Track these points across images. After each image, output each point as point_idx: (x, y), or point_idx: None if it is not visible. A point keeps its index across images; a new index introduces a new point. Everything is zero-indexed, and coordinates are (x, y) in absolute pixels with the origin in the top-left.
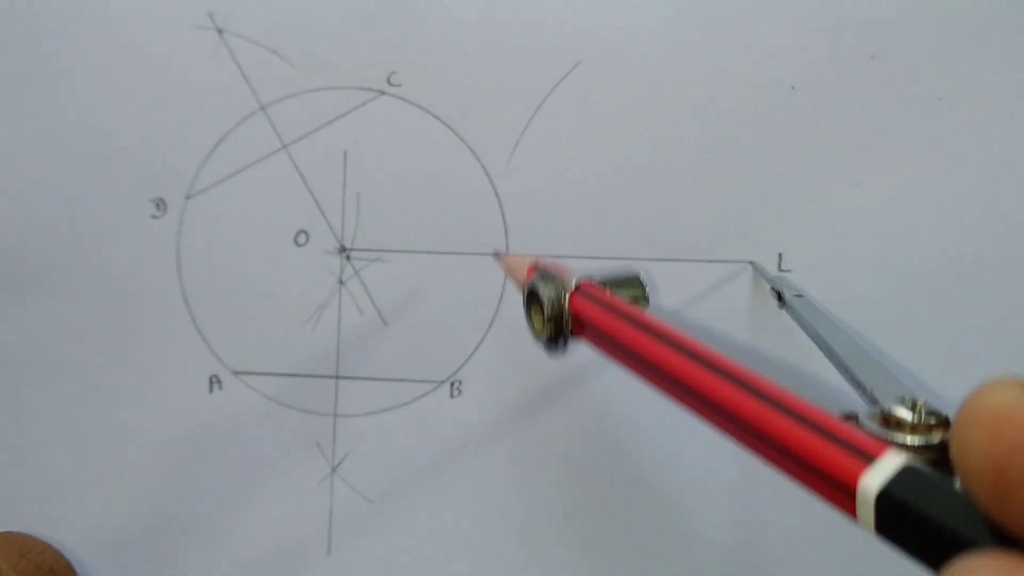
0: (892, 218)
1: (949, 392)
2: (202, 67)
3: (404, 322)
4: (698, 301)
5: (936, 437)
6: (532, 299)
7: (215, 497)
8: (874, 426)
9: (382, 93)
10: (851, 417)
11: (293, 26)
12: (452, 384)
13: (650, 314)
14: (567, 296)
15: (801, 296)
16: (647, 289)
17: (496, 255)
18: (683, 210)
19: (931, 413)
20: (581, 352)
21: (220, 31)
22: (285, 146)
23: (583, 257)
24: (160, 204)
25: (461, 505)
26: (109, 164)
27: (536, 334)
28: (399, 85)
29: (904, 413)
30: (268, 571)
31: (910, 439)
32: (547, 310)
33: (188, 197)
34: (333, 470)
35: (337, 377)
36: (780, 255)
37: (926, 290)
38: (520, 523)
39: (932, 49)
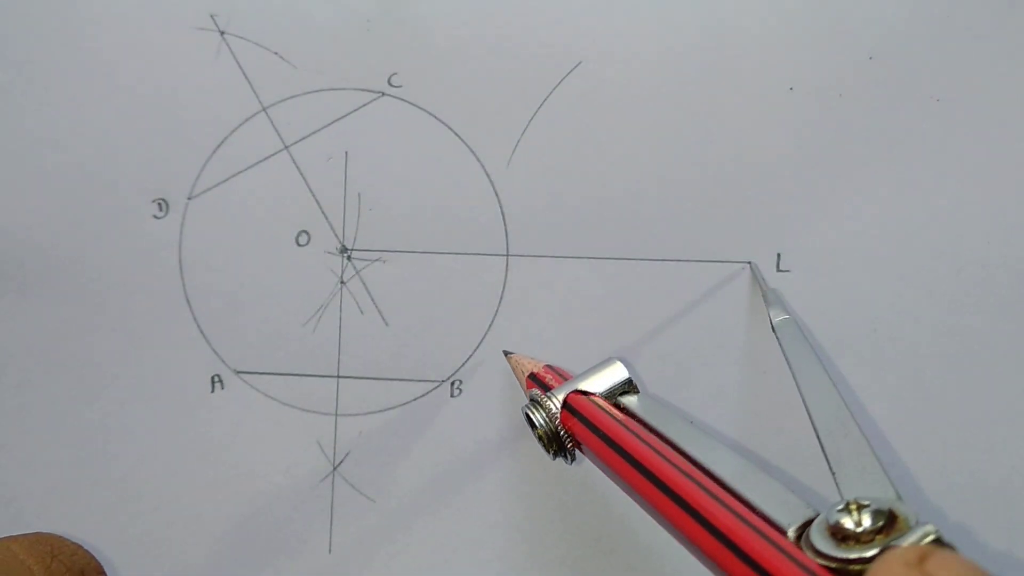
0: (890, 218)
1: (947, 395)
2: (204, 68)
3: (405, 322)
4: (696, 301)
5: (878, 545)
6: (530, 422)
7: (216, 496)
8: (823, 542)
9: (383, 94)
10: (806, 526)
11: (295, 28)
12: (452, 384)
13: (634, 428)
14: (558, 419)
15: (787, 318)
16: (632, 380)
17: (505, 353)
18: (682, 210)
19: (876, 513)
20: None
21: (222, 32)
22: (287, 147)
23: (583, 257)
24: (162, 204)
25: (461, 504)
26: (111, 165)
27: (545, 451)
28: (400, 86)
29: (848, 523)
30: (269, 569)
31: (854, 554)
32: (544, 438)
33: (190, 198)
34: (334, 469)
35: (338, 376)
36: (779, 255)
37: (924, 290)
38: (520, 521)
39: (930, 50)
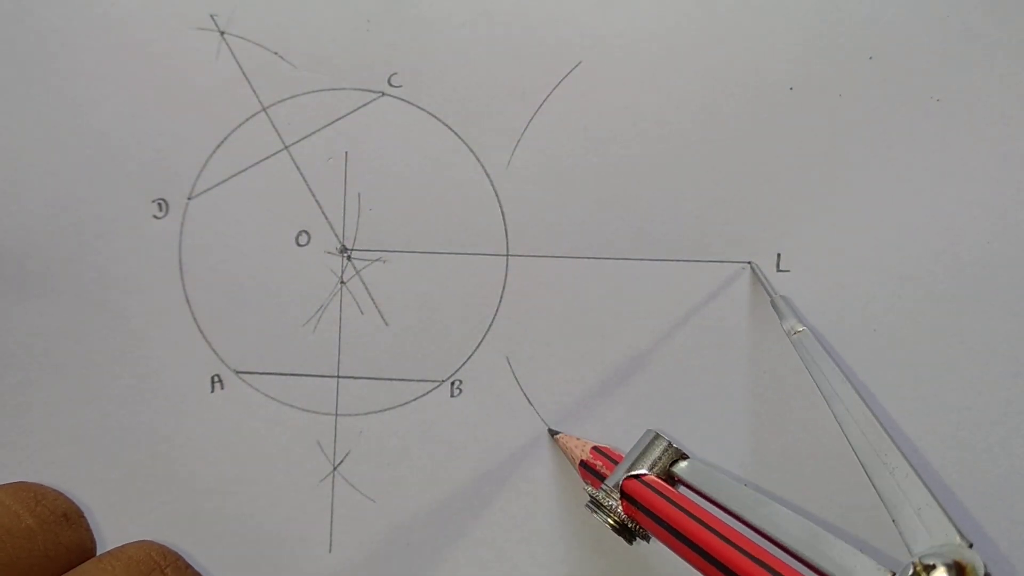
0: (890, 218)
1: (947, 395)
2: (204, 68)
3: (405, 322)
4: (697, 302)
5: None
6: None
7: (217, 496)
8: None
9: (383, 94)
10: None
11: (295, 28)
12: (452, 384)
13: (692, 508)
14: (620, 512)
15: (805, 330)
16: (678, 447)
17: (551, 433)
18: (682, 210)
19: (946, 569)
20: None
21: (222, 32)
22: (286, 147)
23: (583, 257)
24: (162, 205)
25: (461, 504)
26: (111, 165)
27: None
28: (400, 86)
29: None
30: (270, 569)
31: None
32: (612, 527)
33: (190, 198)
34: (335, 469)
35: (338, 376)
36: (779, 255)
37: (924, 290)
38: (520, 521)
39: (930, 50)
